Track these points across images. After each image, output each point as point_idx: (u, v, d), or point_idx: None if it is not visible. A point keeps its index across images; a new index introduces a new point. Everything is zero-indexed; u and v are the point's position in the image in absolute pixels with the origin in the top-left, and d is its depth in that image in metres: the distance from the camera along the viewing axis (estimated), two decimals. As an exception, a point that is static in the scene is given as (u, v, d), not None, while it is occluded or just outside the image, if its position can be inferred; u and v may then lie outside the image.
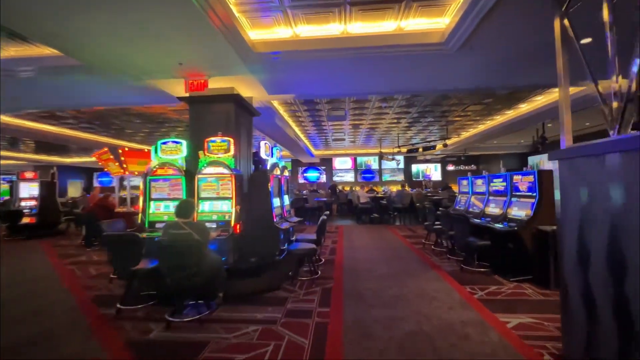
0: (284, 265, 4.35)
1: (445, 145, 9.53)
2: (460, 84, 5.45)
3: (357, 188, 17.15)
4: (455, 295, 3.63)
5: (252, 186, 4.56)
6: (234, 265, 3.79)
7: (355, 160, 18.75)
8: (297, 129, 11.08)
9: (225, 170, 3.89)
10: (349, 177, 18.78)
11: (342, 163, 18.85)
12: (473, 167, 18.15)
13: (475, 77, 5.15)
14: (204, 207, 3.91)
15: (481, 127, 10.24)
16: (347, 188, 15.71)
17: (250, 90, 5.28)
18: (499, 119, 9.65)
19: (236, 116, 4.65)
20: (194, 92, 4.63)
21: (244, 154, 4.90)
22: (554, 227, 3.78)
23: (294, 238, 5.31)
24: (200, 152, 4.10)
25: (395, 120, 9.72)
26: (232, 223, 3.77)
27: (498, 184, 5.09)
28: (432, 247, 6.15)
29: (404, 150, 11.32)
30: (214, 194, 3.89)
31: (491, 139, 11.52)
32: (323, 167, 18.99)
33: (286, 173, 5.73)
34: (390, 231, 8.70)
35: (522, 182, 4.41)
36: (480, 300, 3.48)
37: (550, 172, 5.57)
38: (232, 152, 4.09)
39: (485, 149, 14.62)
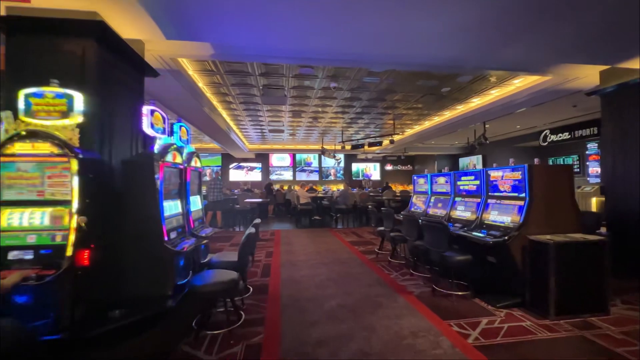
0: (183, 311, 2.73)
1: (392, 142, 8.84)
2: (434, 51, 4.34)
3: (297, 187, 15.83)
4: (444, 342, 2.51)
5: (127, 182, 2.80)
6: (74, 331, 2.04)
7: (294, 158, 17.40)
8: (225, 115, 9.22)
9: (58, 150, 2.12)
10: (288, 175, 17.35)
11: (280, 160, 17.31)
12: (409, 167, 18.46)
13: (453, 43, 4.04)
14: (12, 220, 2.05)
15: (426, 124, 9.87)
16: (285, 187, 14.26)
17: (137, 28, 3.36)
18: (436, 120, 9.35)
19: (99, 62, 2.77)
20: (14, 6, 2.65)
21: (116, 130, 3.04)
22: (553, 238, 2.96)
23: (206, 260, 3.68)
24: (11, 120, 2.20)
25: (340, 112, 8.66)
26: (69, 250, 2.02)
27: (468, 183, 4.25)
28: (389, 258, 5.13)
29: (348, 147, 10.37)
30: (34, 194, 2.08)
31: (432, 138, 11.37)
32: (259, 164, 17.18)
33: (198, 163, 4.05)
34: (335, 236, 7.56)
35: (504, 180, 3.58)
36: (479, 348, 2.42)
37: (544, 167, 5.00)
38: (76, 118, 2.31)
39: (423, 149, 14.75)
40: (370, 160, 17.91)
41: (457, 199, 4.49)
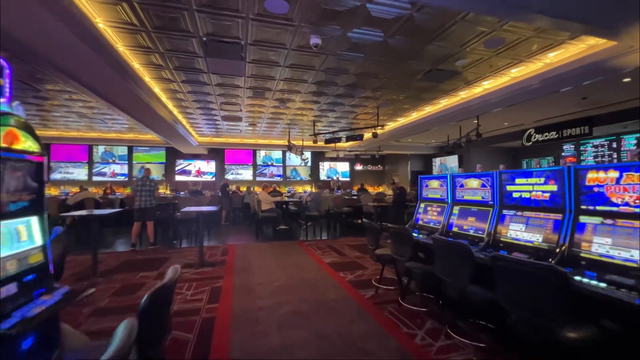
0: None
1: (375, 135, 7.32)
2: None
3: (258, 189, 13.74)
4: None
5: None
6: None
7: (254, 155, 15.25)
8: (165, 98, 6.96)
9: None
10: (247, 174, 15.14)
11: (236, 156, 15.03)
12: (380, 167, 17.32)
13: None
14: None
15: (413, 116, 8.49)
16: (244, 188, 12.15)
17: None
18: (427, 111, 8.06)
19: None
20: None
21: None
22: None
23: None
24: None
25: (311, 100, 6.91)
26: None
27: (532, 187, 2.75)
28: (400, 300, 3.48)
29: (321, 143, 8.65)
30: None
31: (415, 134, 10.09)
32: (211, 160, 14.73)
33: (27, 144, 1.98)
34: (309, 255, 5.78)
35: (621, 186, 2.10)
36: None
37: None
38: None
39: (397, 147, 13.60)
40: (340, 159, 16.40)
41: (506, 211, 2.98)
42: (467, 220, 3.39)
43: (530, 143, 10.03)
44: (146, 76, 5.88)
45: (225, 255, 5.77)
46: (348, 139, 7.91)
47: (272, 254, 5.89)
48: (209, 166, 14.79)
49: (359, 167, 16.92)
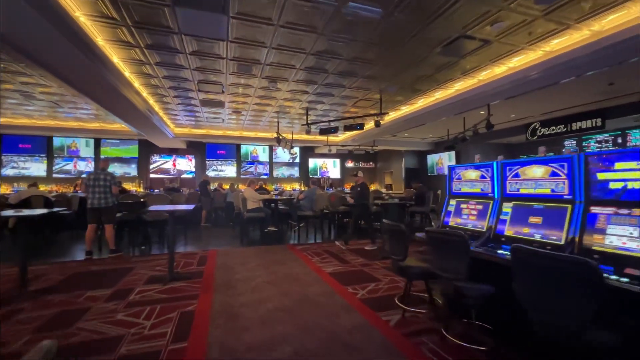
0: None
1: (377, 125, 6.45)
2: None
3: (243, 186, 12.63)
4: None
5: None
6: None
7: (238, 150, 14.10)
8: (128, 72, 5.80)
9: None
10: (230, 170, 13.97)
11: (219, 150, 13.84)
12: (372, 164, 16.56)
13: None
14: None
15: (420, 104, 7.63)
16: (226, 186, 11.02)
17: None
18: (437, 98, 7.27)
19: None
20: None
21: None
22: None
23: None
24: None
25: (304, 80, 5.96)
26: None
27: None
28: (444, 332, 2.56)
29: (311, 137, 7.68)
30: None
31: (416, 126, 9.28)
32: (190, 156, 13.47)
33: None
34: (307, 263, 4.81)
35: None
36: None
37: None
38: None
39: (392, 143, 12.84)
40: (330, 156, 15.50)
41: (598, 208, 2.14)
42: (528, 221, 2.53)
43: (535, 137, 9.48)
44: (114, 56, 4.76)
45: (203, 264, 4.72)
46: (347, 128, 7.00)
47: (261, 262, 4.89)
48: (189, 164, 13.51)
49: (350, 164, 16.08)
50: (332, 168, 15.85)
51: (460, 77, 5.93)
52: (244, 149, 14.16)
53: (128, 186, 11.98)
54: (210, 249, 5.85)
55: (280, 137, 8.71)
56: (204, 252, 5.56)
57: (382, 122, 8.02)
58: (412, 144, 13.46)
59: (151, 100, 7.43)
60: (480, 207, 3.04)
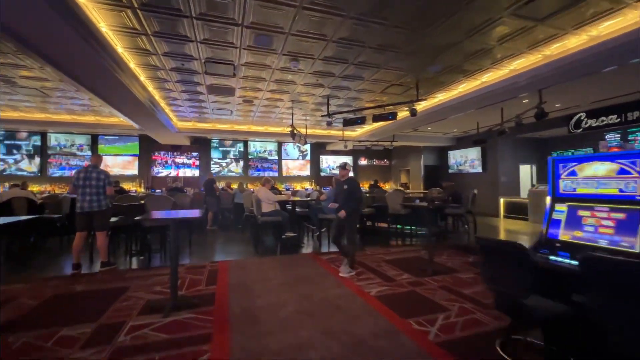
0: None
1: (413, 113, 5.51)
2: None
3: (254, 186, 11.75)
4: None
5: None
6: None
7: (246, 146, 13.19)
8: (127, 55, 4.90)
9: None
10: (236, 168, 13.06)
11: (225, 145, 12.93)
12: (386, 162, 15.58)
13: None
14: None
15: (458, 91, 6.62)
16: (235, 185, 10.12)
17: None
18: (478, 84, 6.29)
19: None
20: None
21: None
22: None
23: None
24: None
25: (334, 60, 5.03)
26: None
27: None
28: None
29: (325, 132, 6.74)
30: None
31: (449, 117, 8.24)
32: (195, 153, 12.58)
33: None
34: (342, 280, 3.86)
35: None
36: None
37: None
38: None
39: (412, 138, 11.86)
40: (342, 153, 14.56)
41: None
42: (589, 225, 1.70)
43: (580, 130, 8.47)
44: (101, 21, 3.84)
45: (213, 282, 3.81)
46: (377, 118, 6.03)
47: (284, 278, 3.97)
48: (193, 159, 12.63)
49: (363, 162, 15.12)
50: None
51: (515, 55, 4.98)
52: (251, 147, 13.25)
53: (128, 186, 11.13)
54: (220, 259, 4.94)
55: (295, 132, 7.78)
56: (213, 264, 4.65)
57: (423, 106, 6.93)
58: (433, 139, 12.47)
59: (150, 87, 6.51)
60: (621, 215, 2.10)
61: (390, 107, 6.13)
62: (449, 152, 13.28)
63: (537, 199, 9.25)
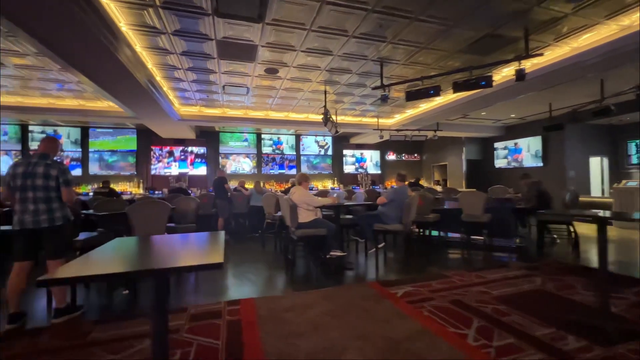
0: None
1: (521, 76, 3.74)
2: None
3: (270, 186, 10.07)
4: None
5: None
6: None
7: (259, 139, 11.51)
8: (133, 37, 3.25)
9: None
10: (247, 165, 11.39)
11: (235, 139, 11.27)
12: (417, 156, 13.77)
13: None
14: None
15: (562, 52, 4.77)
16: (251, 185, 8.45)
17: None
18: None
19: None
20: None
21: None
22: None
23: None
24: None
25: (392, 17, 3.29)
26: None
27: None
28: None
29: (355, 120, 4.96)
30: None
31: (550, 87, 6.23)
32: (201, 148, 10.93)
33: None
34: (461, 349, 2.13)
35: None
36: None
37: None
38: None
39: (457, 127, 10.04)
40: (366, 147, 12.82)
41: None
42: None
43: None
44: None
45: (237, 350, 2.10)
46: (458, 87, 4.17)
47: (361, 341, 2.23)
48: (198, 157, 10.98)
49: (391, 157, 13.34)
50: (369, 162, 13.13)
51: None
52: (265, 139, 11.56)
53: (124, 187, 9.52)
54: (241, 294, 3.23)
55: (330, 117, 6.05)
56: (232, 306, 2.95)
57: (541, 61, 4.94)
58: (480, 128, 10.61)
59: (148, 60, 4.83)
60: None
61: (489, 67, 4.29)
62: (494, 143, 11.40)
63: (625, 198, 7.40)
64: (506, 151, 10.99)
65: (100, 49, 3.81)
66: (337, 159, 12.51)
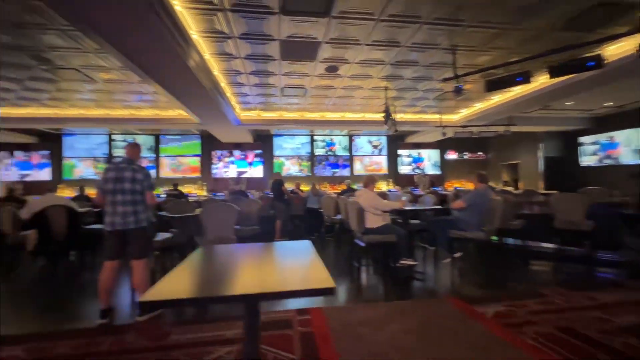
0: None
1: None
2: None
3: (323, 187, 9.99)
4: None
5: None
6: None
7: (312, 141, 11.52)
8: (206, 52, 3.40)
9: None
10: (294, 167, 11.43)
11: (289, 141, 11.41)
12: (481, 154, 12.57)
13: None
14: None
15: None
16: (307, 188, 8.43)
17: None
18: None
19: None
20: None
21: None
22: None
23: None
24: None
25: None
26: None
27: None
28: None
29: (416, 117, 4.63)
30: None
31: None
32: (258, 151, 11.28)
33: None
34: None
35: None
36: None
37: None
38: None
39: (533, 121, 8.85)
40: (423, 146, 12.06)
41: None
42: None
43: None
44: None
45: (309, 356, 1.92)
46: (556, 71, 3.48)
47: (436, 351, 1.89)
48: (256, 157, 11.35)
49: (451, 156, 12.36)
50: (426, 162, 12.32)
51: None
52: (318, 140, 11.51)
53: (189, 189, 10.20)
54: (306, 304, 3.07)
55: (392, 115, 5.69)
56: (302, 315, 2.80)
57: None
58: (561, 121, 9.24)
59: (215, 66, 5.02)
60: None
61: (577, 50, 3.59)
62: (578, 138, 9.84)
63: None
64: (596, 146, 9.40)
65: (174, 58, 4.00)
66: (392, 159, 11.96)
